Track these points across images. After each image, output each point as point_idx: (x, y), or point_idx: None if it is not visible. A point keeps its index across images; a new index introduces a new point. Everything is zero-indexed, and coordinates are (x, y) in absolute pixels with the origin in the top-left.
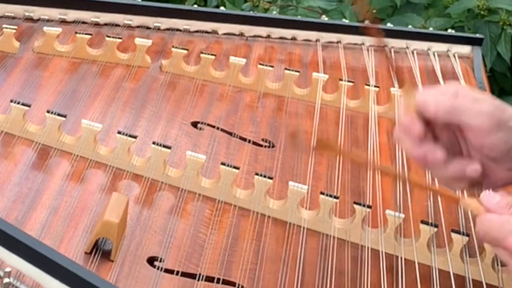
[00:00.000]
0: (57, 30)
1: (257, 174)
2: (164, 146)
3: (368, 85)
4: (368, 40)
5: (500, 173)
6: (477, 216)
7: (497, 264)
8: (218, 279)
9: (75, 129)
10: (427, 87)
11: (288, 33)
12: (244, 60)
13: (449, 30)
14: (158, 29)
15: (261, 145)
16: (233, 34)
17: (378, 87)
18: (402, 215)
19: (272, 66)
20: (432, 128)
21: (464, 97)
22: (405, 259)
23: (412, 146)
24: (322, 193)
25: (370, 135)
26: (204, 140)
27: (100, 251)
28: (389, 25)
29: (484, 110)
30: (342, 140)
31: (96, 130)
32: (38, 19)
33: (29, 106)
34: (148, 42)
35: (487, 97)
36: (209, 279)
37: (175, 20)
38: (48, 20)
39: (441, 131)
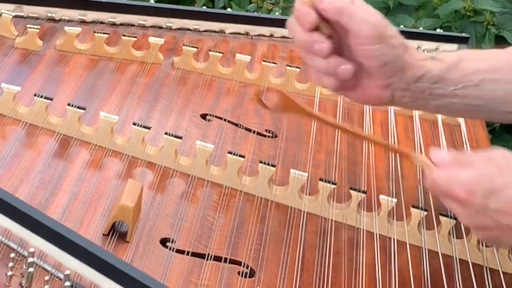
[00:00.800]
0: (77, 29)
1: (261, 162)
2: (176, 136)
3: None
4: None
5: (371, 89)
6: (426, 170)
7: (482, 245)
8: (225, 259)
9: (94, 120)
10: None
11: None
12: (249, 57)
13: (438, 30)
14: (170, 28)
15: (264, 136)
16: (239, 33)
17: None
18: (395, 200)
19: (275, 63)
20: (324, 24)
21: (358, 6)
22: (397, 240)
23: (303, 33)
24: (321, 179)
25: (365, 126)
26: (212, 130)
27: (117, 233)
28: None
29: (370, 20)
30: (339, 131)
31: (113, 121)
32: (60, 20)
33: (51, 99)
34: (161, 41)
35: (379, 14)
36: (217, 258)
37: (185, 21)
38: (68, 21)
39: (331, 28)
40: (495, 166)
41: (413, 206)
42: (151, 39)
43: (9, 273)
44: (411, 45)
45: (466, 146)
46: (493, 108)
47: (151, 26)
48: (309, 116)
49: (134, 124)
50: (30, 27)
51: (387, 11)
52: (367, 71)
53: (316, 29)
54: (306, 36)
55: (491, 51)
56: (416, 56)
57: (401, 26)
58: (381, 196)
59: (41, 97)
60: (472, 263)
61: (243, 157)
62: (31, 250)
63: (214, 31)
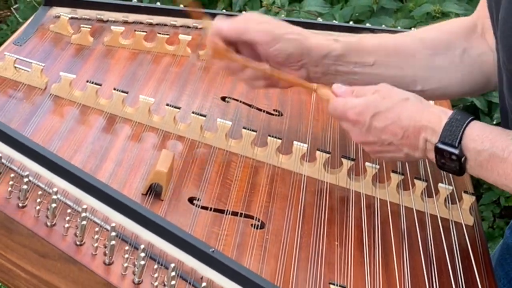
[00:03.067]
0: (121, 28)
1: (270, 135)
2: (201, 115)
3: None
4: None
5: (290, 73)
6: (329, 100)
7: (449, 203)
8: (241, 213)
9: (134, 102)
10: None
11: None
12: None
13: (413, 28)
14: (196, 28)
15: (272, 114)
16: None
17: None
18: (378, 166)
19: None
20: (235, 46)
21: (251, 21)
22: (380, 199)
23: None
24: (318, 149)
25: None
26: (230, 110)
27: (153, 193)
28: (368, 25)
29: (261, 29)
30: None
31: (150, 103)
32: (107, 20)
33: (100, 85)
34: (189, 38)
35: (272, 20)
36: (234, 213)
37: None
38: (114, 21)
39: (243, 47)
40: (380, 95)
41: (393, 171)
42: (181, 36)
43: (66, 225)
44: (312, 32)
45: None
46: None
47: (181, 26)
48: (237, 61)
49: (167, 105)
50: (83, 27)
51: (371, 14)
52: (280, 64)
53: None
54: (222, 63)
55: (387, 35)
56: (320, 38)
57: (383, 26)
58: (366, 163)
59: (92, 83)
60: (440, 217)
61: (255, 131)
62: (84, 206)
63: None
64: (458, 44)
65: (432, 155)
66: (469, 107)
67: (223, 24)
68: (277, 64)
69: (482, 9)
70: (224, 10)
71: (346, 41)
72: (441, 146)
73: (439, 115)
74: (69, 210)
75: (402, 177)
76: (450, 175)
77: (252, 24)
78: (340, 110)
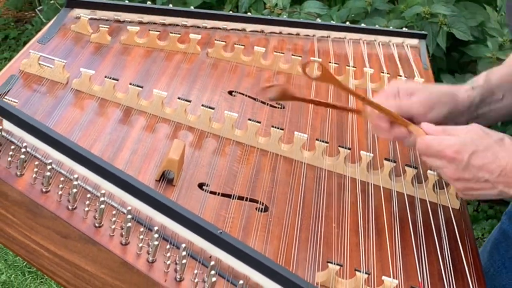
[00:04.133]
0: (136, 28)
1: (273, 126)
2: (209, 107)
3: (348, 66)
4: (349, 35)
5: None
6: (418, 137)
7: (437, 188)
8: (246, 198)
9: (149, 95)
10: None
11: (294, 30)
12: (264, 49)
13: (404, 28)
14: (205, 27)
15: (275, 107)
16: (256, 31)
17: (355, 67)
18: (372, 155)
19: (283, 53)
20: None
21: (400, 94)
22: (373, 184)
23: (387, 135)
24: (317, 139)
25: (349, 100)
26: (237, 103)
27: (166, 179)
28: (362, 25)
29: (417, 100)
30: (331, 101)
31: (163, 96)
32: (124, 21)
33: (117, 80)
34: (198, 37)
35: (420, 86)
36: (240, 198)
37: (216, 22)
38: (130, 22)
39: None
40: (476, 135)
41: (386, 159)
42: (191, 36)
43: (86, 208)
44: (457, 88)
45: None
46: None
47: (191, 26)
48: (342, 89)
49: (179, 98)
50: (102, 27)
51: (365, 15)
52: (437, 123)
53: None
54: (391, 136)
55: (503, 68)
56: (462, 91)
57: (376, 26)
58: (361, 152)
59: (110, 78)
60: (429, 201)
61: (259, 123)
62: (102, 191)
63: (238, 30)
64: None
65: None
66: None
67: (387, 102)
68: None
69: None
70: (230, 12)
71: (480, 85)
72: None
73: None
74: (88, 195)
75: (394, 164)
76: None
77: (404, 98)
78: (435, 148)
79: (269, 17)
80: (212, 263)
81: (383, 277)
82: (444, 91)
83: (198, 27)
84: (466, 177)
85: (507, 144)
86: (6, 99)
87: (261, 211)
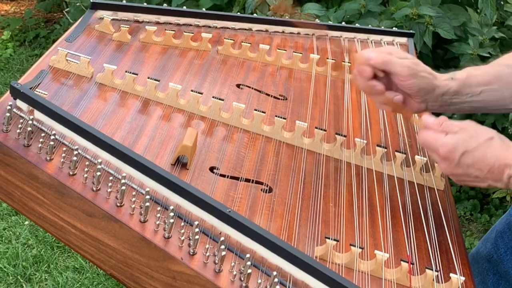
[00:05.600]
0: (154, 28)
1: (276, 116)
2: (219, 99)
3: (344, 62)
4: (345, 34)
5: (413, 104)
6: (419, 130)
7: (423, 171)
8: (253, 180)
9: (165, 88)
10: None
11: (295, 29)
12: (268, 47)
13: (394, 28)
14: (216, 27)
15: (278, 98)
16: (261, 30)
17: (350, 63)
18: (365, 141)
19: (285, 50)
20: (375, 75)
21: (394, 55)
22: (367, 168)
23: (363, 82)
24: (316, 127)
25: (345, 92)
26: (244, 95)
27: (180, 163)
28: (357, 25)
29: (405, 63)
30: (328, 95)
31: (177, 89)
32: (142, 21)
33: (136, 74)
34: (210, 35)
35: (409, 56)
36: (247, 180)
37: (226, 22)
38: (148, 22)
39: (380, 77)
40: (467, 134)
41: (378, 145)
42: (203, 34)
43: (109, 190)
44: (439, 75)
45: None
46: (492, 107)
47: (203, 26)
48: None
49: (192, 91)
50: (123, 26)
51: (360, 16)
52: (408, 94)
53: (373, 76)
54: (367, 84)
55: (485, 67)
56: (441, 78)
57: (369, 26)
58: (356, 139)
59: (130, 73)
60: (416, 183)
61: (264, 112)
62: (123, 174)
63: (245, 29)
64: None
65: None
66: None
67: (371, 54)
68: (406, 94)
69: None
70: (238, 13)
71: (460, 78)
72: None
73: None
74: (111, 178)
75: (385, 150)
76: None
77: (396, 57)
78: (432, 145)
79: (272, 18)
80: (222, 238)
81: (375, 251)
82: (428, 70)
83: (209, 26)
84: (459, 172)
85: (495, 144)
86: (37, 91)
87: (266, 192)
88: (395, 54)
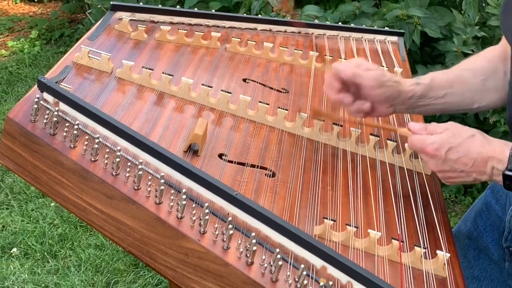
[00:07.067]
0: (168, 27)
1: (279, 107)
2: (227, 92)
3: (341, 58)
4: (341, 33)
5: (382, 109)
6: (408, 137)
7: (413, 158)
8: (257, 166)
9: (178, 82)
10: (341, 61)
11: (296, 29)
12: (272, 45)
13: (385, 28)
14: (224, 27)
15: (281, 92)
16: (265, 30)
17: (346, 59)
18: (359, 131)
19: (287, 48)
20: (346, 85)
21: (361, 67)
22: (361, 155)
23: (333, 94)
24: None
25: None
26: (249, 89)
27: (192, 150)
28: (352, 25)
29: (371, 76)
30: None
31: (189, 83)
32: (158, 21)
33: (152, 70)
34: (218, 34)
35: (375, 67)
36: (252, 166)
37: (233, 22)
38: (163, 22)
39: (350, 86)
40: (451, 133)
41: (371, 134)
42: (213, 33)
43: (127, 174)
44: (402, 79)
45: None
46: (455, 108)
47: (213, 26)
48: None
49: (202, 84)
50: (140, 26)
51: (355, 16)
52: (377, 101)
53: (345, 87)
54: (337, 96)
55: (447, 71)
56: (407, 84)
57: (363, 26)
58: (351, 128)
59: (146, 68)
60: (406, 168)
61: (268, 104)
62: (140, 160)
63: (250, 29)
64: (500, 68)
65: (499, 179)
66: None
67: (341, 67)
68: (375, 102)
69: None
70: (244, 14)
71: (424, 83)
72: (508, 173)
73: (501, 147)
74: (129, 163)
75: (378, 138)
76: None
77: (362, 69)
78: (419, 146)
79: (275, 18)
80: (230, 219)
81: (369, 230)
82: (394, 79)
83: (218, 26)
84: (445, 169)
85: (477, 140)
86: (62, 85)
87: (270, 177)
88: (363, 66)
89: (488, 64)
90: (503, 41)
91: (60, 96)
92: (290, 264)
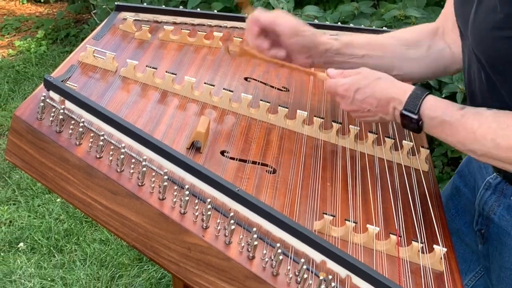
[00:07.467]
0: (171, 27)
1: (279, 105)
2: (229, 90)
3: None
4: (340, 33)
5: (300, 60)
6: (324, 81)
7: (410, 154)
8: (259, 162)
9: (181, 81)
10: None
11: None
12: None
13: (384, 28)
14: (226, 27)
15: (282, 90)
16: None
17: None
18: (358, 128)
19: None
20: (266, 32)
21: (280, 16)
22: (360, 152)
23: (252, 40)
24: (315, 116)
25: None
26: (251, 87)
27: (195, 147)
28: (351, 25)
29: (288, 23)
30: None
31: (192, 82)
32: (161, 22)
33: (156, 68)
34: (221, 34)
35: (295, 19)
36: (254, 162)
37: (235, 22)
38: (166, 22)
39: (270, 35)
40: (361, 76)
41: (369, 131)
42: (215, 33)
43: (131, 171)
44: (322, 33)
45: None
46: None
47: (215, 26)
48: (260, 59)
49: (205, 83)
50: (144, 26)
51: (353, 17)
52: (294, 51)
53: (262, 32)
54: (255, 41)
55: (373, 36)
56: (325, 37)
57: (362, 25)
58: (350, 126)
59: (150, 67)
60: (404, 165)
61: (269, 103)
62: (144, 157)
63: None
64: (425, 42)
65: (399, 119)
66: (424, 84)
67: (260, 14)
68: (292, 52)
69: (443, 17)
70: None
71: (343, 39)
72: (405, 112)
73: (404, 89)
74: (133, 160)
75: (376, 135)
76: (412, 134)
77: (282, 19)
78: (333, 88)
79: None
80: (231, 214)
81: (367, 225)
82: (312, 30)
83: (220, 26)
84: (354, 108)
85: (383, 82)
86: (68, 83)
87: (271, 173)
88: (282, 15)
89: (412, 35)
90: (440, 19)
91: (66, 95)
92: (291, 258)
